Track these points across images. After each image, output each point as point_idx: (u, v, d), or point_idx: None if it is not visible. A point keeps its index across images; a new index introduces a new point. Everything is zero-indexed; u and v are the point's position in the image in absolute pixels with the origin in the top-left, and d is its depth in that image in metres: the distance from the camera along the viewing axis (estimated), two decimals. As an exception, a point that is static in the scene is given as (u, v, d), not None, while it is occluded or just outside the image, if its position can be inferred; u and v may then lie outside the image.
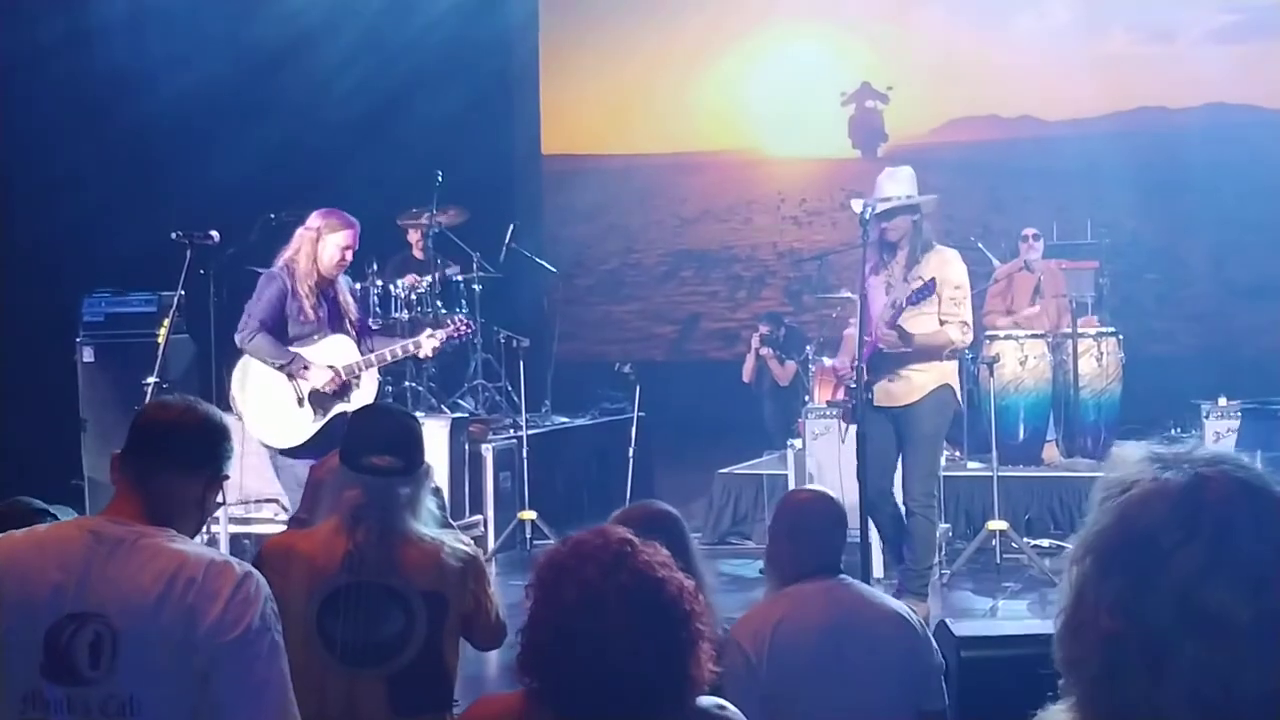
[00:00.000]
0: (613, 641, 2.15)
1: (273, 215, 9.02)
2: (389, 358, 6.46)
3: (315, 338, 6.39)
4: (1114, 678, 1.38)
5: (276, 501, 7.89)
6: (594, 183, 13.73)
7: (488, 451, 8.63)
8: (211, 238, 7.40)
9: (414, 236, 10.08)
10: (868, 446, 6.35)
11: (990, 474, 7.78)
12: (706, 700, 2.30)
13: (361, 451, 3.53)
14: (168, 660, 2.46)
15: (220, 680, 2.47)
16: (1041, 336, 8.99)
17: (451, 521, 3.99)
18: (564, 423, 10.27)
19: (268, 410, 6.45)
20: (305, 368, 6.33)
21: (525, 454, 8.55)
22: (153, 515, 2.60)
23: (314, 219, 6.43)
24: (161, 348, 7.11)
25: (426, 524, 3.53)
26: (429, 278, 9.20)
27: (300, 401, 6.38)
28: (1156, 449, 1.47)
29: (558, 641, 2.20)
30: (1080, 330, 9.02)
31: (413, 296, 9.10)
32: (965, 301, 6.43)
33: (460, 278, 9.61)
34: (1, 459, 9.15)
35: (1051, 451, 9.07)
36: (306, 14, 11.28)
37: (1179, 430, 9.99)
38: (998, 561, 7.61)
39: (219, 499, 2.77)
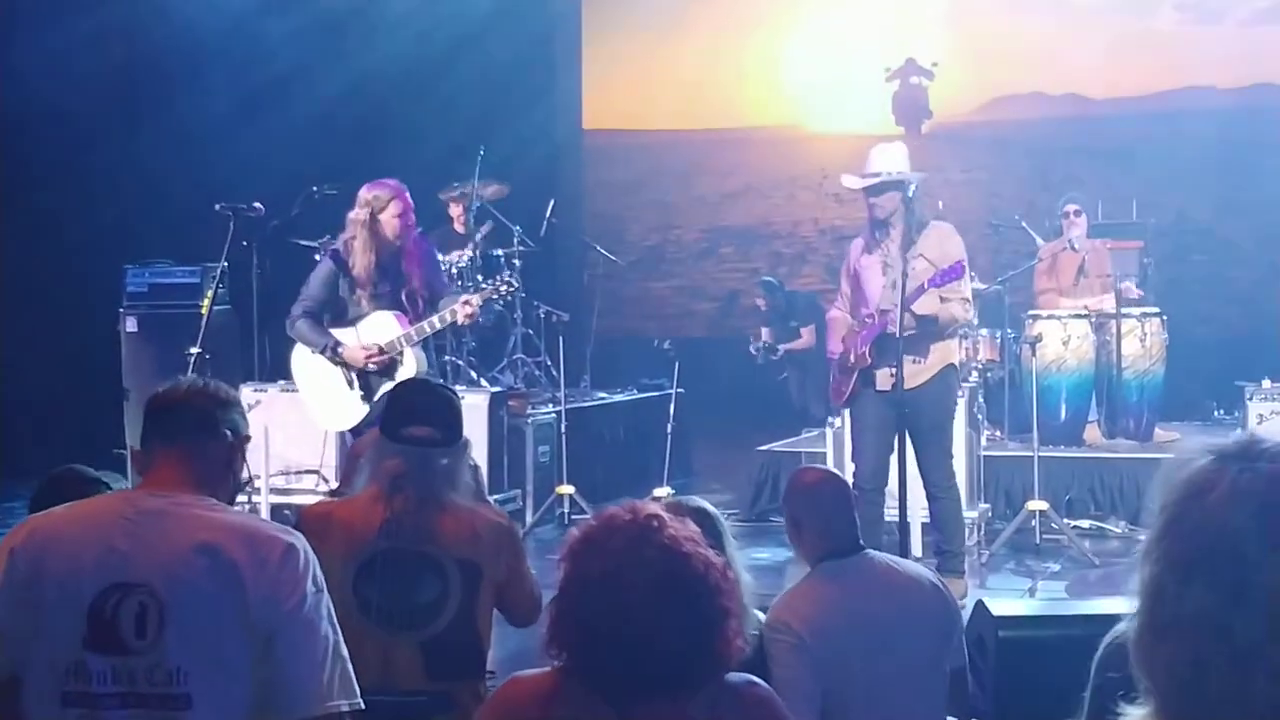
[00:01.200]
0: (636, 615, 2.15)
1: (315, 188, 9.07)
2: (427, 329, 6.42)
3: (364, 318, 6.43)
4: (1200, 682, 1.36)
5: (317, 473, 7.95)
6: (635, 158, 13.72)
7: (527, 426, 8.64)
8: (256, 209, 7.43)
9: (455, 211, 10.10)
10: (866, 435, 6.33)
11: (1031, 454, 7.73)
12: (737, 676, 2.29)
13: (401, 423, 3.59)
14: (216, 629, 2.48)
15: (283, 647, 2.49)
16: (1084, 316, 8.92)
17: (488, 496, 4.03)
18: (603, 398, 10.28)
19: (322, 394, 6.56)
20: (338, 350, 6.36)
21: (564, 429, 8.56)
22: (188, 482, 2.63)
23: (361, 197, 6.42)
24: (204, 318, 7.15)
25: (463, 496, 3.57)
26: (469, 251, 9.22)
27: (350, 384, 6.45)
28: (1217, 442, 1.43)
29: (583, 614, 2.20)
30: (1124, 311, 8.95)
31: (454, 270, 9.12)
32: (965, 277, 6.29)
33: (500, 252, 9.63)
34: (45, 427, 9.26)
35: (1093, 432, 9.01)
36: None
37: (1222, 412, 9.93)
38: (1037, 542, 7.57)
39: (246, 469, 2.81)
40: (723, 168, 13.71)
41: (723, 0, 13.63)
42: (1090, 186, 10.58)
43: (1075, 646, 4.14)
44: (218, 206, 7.30)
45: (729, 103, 13.55)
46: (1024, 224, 9.83)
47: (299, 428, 7.81)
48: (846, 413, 7.87)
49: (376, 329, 6.40)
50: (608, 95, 13.95)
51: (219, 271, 7.27)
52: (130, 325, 8.74)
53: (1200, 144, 11.79)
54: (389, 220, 6.35)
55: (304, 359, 6.56)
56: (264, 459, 7.31)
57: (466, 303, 6.38)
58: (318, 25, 11.05)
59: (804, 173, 13.31)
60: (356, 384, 6.44)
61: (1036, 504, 7.59)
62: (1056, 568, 7.28)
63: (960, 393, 7.83)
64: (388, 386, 6.27)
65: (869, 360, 6.26)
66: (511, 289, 6.72)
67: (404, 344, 6.36)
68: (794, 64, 13.28)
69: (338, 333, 6.41)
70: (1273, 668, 1.32)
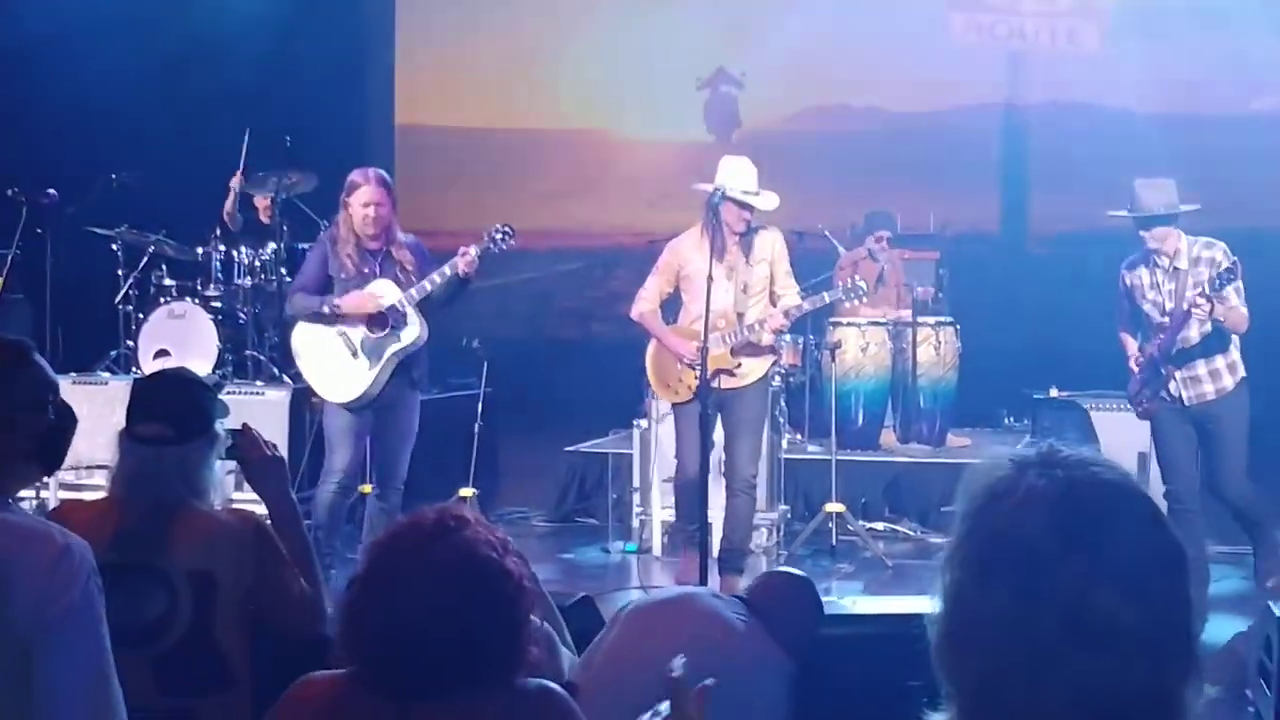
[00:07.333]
0: (412, 612, 2.12)
1: (114, 175, 8.82)
2: (428, 287, 6.44)
3: (361, 286, 6.46)
4: (997, 687, 1.38)
5: (108, 468, 7.72)
6: (448, 156, 13.63)
7: (331, 423, 8.50)
8: (50, 196, 7.22)
9: (261, 202, 9.89)
10: (689, 434, 6.49)
11: (829, 458, 7.94)
12: (533, 682, 2.26)
13: (133, 419, 3.42)
14: None
15: (45, 653, 2.38)
16: (882, 324, 9.19)
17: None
18: (410, 396, 10.15)
19: (327, 370, 6.54)
20: (337, 304, 6.38)
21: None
22: None
23: (347, 184, 6.55)
24: (-7, 307, 6.91)
25: (205, 496, 3.41)
26: (274, 244, 9.05)
27: (355, 353, 6.44)
28: (1020, 451, 1.46)
29: (363, 611, 2.18)
30: (919, 320, 9.24)
31: (256, 263, 8.97)
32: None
33: (306, 246, 9.47)
34: None
35: (889, 437, 9.28)
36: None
37: (1012, 419, 10.32)
38: (833, 543, 7.78)
39: (35, 448, 2.63)
40: (537, 169, 13.69)
41: (538, 3, 13.63)
42: (890, 197, 10.89)
43: (870, 645, 4.29)
44: (9, 192, 7.06)
45: (544, 104, 13.57)
46: (827, 233, 10.06)
47: (91, 421, 7.56)
48: (655, 414, 7.99)
49: (376, 293, 6.44)
50: (420, 91, 13.83)
51: (10, 259, 7.03)
52: (-88, 312, 8.36)
53: (996, 157, 12.26)
54: (356, 210, 6.43)
55: (304, 336, 6.56)
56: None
57: (464, 253, 6.42)
58: (121, 7, 10.71)
59: (617, 177, 13.38)
60: (361, 351, 6.43)
61: (834, 506, 7.80)
62: (851, 568, 7.49)
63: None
64: (395, 347, 6.40)
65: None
66: (508, 237, 6.65)
67: (406, 305, 6.37)
68: (608, 69, 13.35)
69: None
70: (1067, 670, 1.34)
